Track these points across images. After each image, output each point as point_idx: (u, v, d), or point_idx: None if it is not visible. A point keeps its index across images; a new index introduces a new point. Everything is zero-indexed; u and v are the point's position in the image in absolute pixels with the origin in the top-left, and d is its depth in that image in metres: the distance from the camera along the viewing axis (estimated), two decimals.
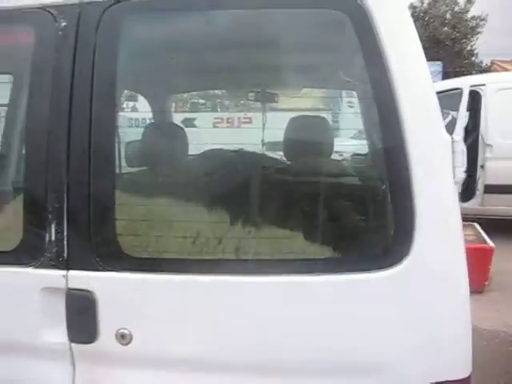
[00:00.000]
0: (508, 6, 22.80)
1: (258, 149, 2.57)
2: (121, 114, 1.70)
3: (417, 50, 1.49)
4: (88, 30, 1.54)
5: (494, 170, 7.44)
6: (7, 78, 2.24)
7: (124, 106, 2.43)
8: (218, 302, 1.53)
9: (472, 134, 7.40)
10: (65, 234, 1.54)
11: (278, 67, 2.08)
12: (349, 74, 1.85)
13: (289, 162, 2.26)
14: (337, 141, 2.58)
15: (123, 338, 1.52)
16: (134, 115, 3.09)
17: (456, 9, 26.67)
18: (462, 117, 7.06)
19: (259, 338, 1.52)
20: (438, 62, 20.71)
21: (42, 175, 1.55)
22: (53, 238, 1.55)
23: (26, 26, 1.64)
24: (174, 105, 4.00)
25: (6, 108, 2.46)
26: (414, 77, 1.47)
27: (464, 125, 7.01)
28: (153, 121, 3.18)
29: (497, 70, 18.83)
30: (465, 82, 7.81)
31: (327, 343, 1.50)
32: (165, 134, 2.32)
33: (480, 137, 7.55)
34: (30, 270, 1.56)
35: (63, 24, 1.56)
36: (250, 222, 1.68)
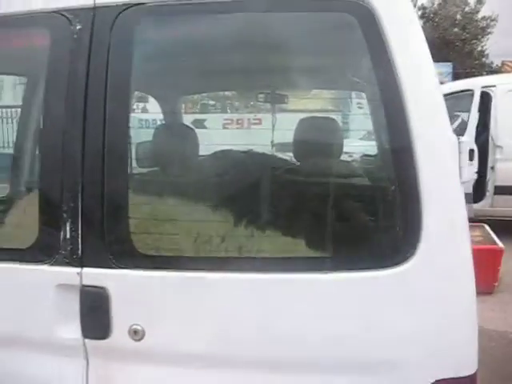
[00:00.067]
0: None
1: (267, 150, 2.60)
2: (134, 115, 1.73)
3: (424, 51, 1.51)
4: (102, 33, 1.57)
5: (504, 171, 7.40)
6: (24, 79, 2.29)
7: (137, 107, 2.47)
8: (230, 299, 1.55)
9: (482, 135, 7.38)
10: (79, 232, 1.57)
11: (287, 69, 2.10)
12: (357, 76, 1.87)
13: (298, 163, 2.28)
14: (346, 142, 2.60)
15: (136, 334, 1.55)
16: (147, 116, 3.13)
17: (466, 9, 26.50)
18: (474, 118, 7.06)
19: (270, 334, 1.54)
20: (448, 63, 20.64)
21: (57, 175, 1.59)
22: (67, 236, 1.58)
23: (42, 30, 1.67)
24: (184, 106, 4.03)
25: (23, 109, 2.51)
26: (420, 78, 1.49)
27: (475, 126, 7.02)
28: (165, 122, 3.21)
29: (507, 71, 18.75)
30: (476, 83, 7.80)
31: (336, 340, 1.52)
32: (176, 135, 2.35)
33: (490, 138, 7.53)
34: (45, 268, 1.60)
35: (78, 27, 1.59)
36: (261, 222, 1.71)
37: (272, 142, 2.72)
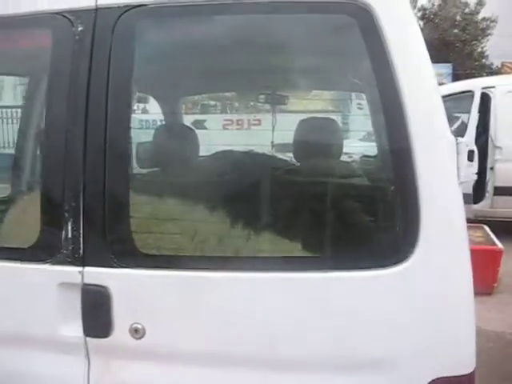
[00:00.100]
0: None
1: (267, 150, 2.62)
2: (135, 115, 1.74)
3: (422, 52, 1.52)
4: (104, 35, 1.59)
5: (504, 171, 7.41)
6: (26, 80, 2.30)
7: (138, 107, 2.48)
8: (231, 299, 1.56)
9: (482, 136, 7.39)
10: (81, 231, 1.58)
11: (287, 70, 2.12)
12: (357, 77, 1.88)
13: (298, 164, 2.30)
14: (346, 143, 2.62)
15: (137, 333, 1.57)
16: (148, 117, 3.15)
17: (466, 10, 26.51)
18: (474, 119, 7.07)
19: (271, 333, 1.55)
20: (448, 64, 20.63)
21: (59, 175, 1.60)
22: (69, 235, 1.59)
23: (44, 31, 1.68)
24: (184, 106, 4.05)
25: (25, 109, 2.52)
26: (419, 79, 1.50)
27: (475, 127, 7.02)
28: (166, 122, 3.23)
29: (507, 72, 18.78)
30: (476, 84, 7.81)
31: (335, 339, 1.54)
32: (177, 136, 2.36)
33: (490, 139, 7.54)
34: (47, 267, 1.61)
35: (80, 28, 1.60)
36: (261, 222, 1.72)
37: (272, 142, 2.74)
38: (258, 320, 1.56)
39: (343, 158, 2.50)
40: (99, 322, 1.58)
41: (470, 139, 6.36)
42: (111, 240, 1.58)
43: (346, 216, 1.72)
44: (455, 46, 25.44)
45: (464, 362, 1.54)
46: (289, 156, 2.40)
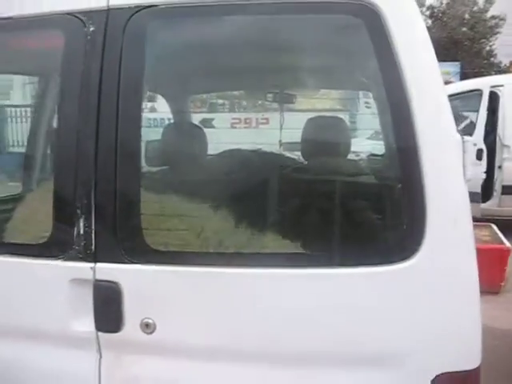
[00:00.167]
0: None
1: (275, 149, 2.64)
2: (146, 114, 1.76)
3: (429, 52, 1.54)
4: (115, 35, 1.61)
5: None
6: (38, 79, 2.33)
7: (149, 106, 2.51)
8: (239, 294, 1.59)
9: (490, 134, 7.38)
10: (92, 228, 1.61)
11: (295, 70, 2.14)
12: (364, 76, 1.90)
13: (306, 162, 2.32)
14: (354, 141, 2.63)
15: (147, 328, 1.59)
16: (159, 115, 3.18)
17: (475, 8, 26.35)
18: (483, 118, 7.06)
19: (280, 328, 1.57)
20: (456, 63, 20.52)
21: (71, 173, 1.63)
22: (81, 232, 1.62)
23: (56, 31, 1.71)
24: (192, 105, 4.07)
25: (37, 108, 2.55)
26: (426, 79, 1.52)
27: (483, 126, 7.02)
28: (177, 121, 3.25)
29: None
30: (485, 83, 7.79)
31: (344, 334, 1.56)
32: (186, 134, 2.39)
33: (497, 138, 7.52)
34: (59, 263, 1.64)
35: (91, 29, 1.63)
36: (271, 219, 1.74)
37: (280, 141, 2.76)
38: (267, 315, 1.58)
39: (351, 156, 2.52)
40: (110, 317, 1.61)
41: (478, 138, 6.35)
42: (122, 236, 1.60)
43: (353, 213, 1.74)
44: (463, 44, 25.30)
45: (469, 357, 1.56)
46: (297, 154, 2.43)
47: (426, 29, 1.56)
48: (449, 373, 1.53)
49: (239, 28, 1.71)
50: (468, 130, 6.52)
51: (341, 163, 2.23)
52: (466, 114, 7.32)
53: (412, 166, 1.49)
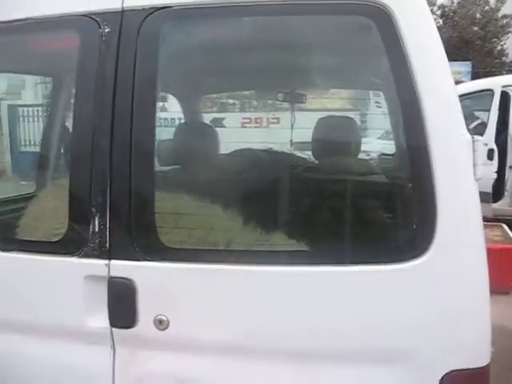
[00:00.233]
0: None
1: (286, 148, 2.66)
2: (160, 114, 1.79)
3: (440, 52, 1.55)
4: (130, 36, 1.63)
5: None
6: (52, 79, 2.36)
7: (163, 106, 2.53)
8: (252, 291, 1.61)
9: (501, 134, 7.34)
10: (107, 225, 1.64)
11: (306, 70, 2.15)
12: (375, 76, 1.91)
13: (317, 161, 2.33)
14: (364, 141, 2.64)
15: (161, 324, 1.61)
16: (173, 115, 3.20)
17: (486, 8, 26.15)
18: (494, 118, 7.03)
19: (292, 325, 1.59)
20: (468, 62, 20.39)
21: (86, 171, 1.65)
22: (96, 229, 1.64)
23: (71, 32, 1.74)
24: (204, 105, 4.10)
25: (53, 107, 2.59)
26: (436, 78, 1.53)
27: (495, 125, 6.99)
28: (189, 121, 3.28)
29: None
30: (496, 83, 7.73)
31: (355, 331, 1.57)
32: (198, 134, 2.41)
33: (509, 137, 7.48)
34: (74, 260, 1.66)
35: (106, 30, 1.65)
36: (282, 217, 1.76)
37: (291, 140, 2.78)
38: (279, 312, 1.59)
39: (361, 155, 2.54)
40: (125, 313, 1.63)
41: (489, 138, 6.33)
42: (136, 234, 1.63)
43: (363, 212, 1.76)
44: (475, 43, 25.10)
45: (479, 355, 1.57)
46: (307, 154, 2.44)
47: (436, 29, 1.57)
48: (458, 370, 1.54)
49: (251, 29, 1.73)
50: (479, 130, 6.50)
51: (351, 163, 2.24)
52: (477, 113, 7.29)
53: (422, 165, 1.50)
